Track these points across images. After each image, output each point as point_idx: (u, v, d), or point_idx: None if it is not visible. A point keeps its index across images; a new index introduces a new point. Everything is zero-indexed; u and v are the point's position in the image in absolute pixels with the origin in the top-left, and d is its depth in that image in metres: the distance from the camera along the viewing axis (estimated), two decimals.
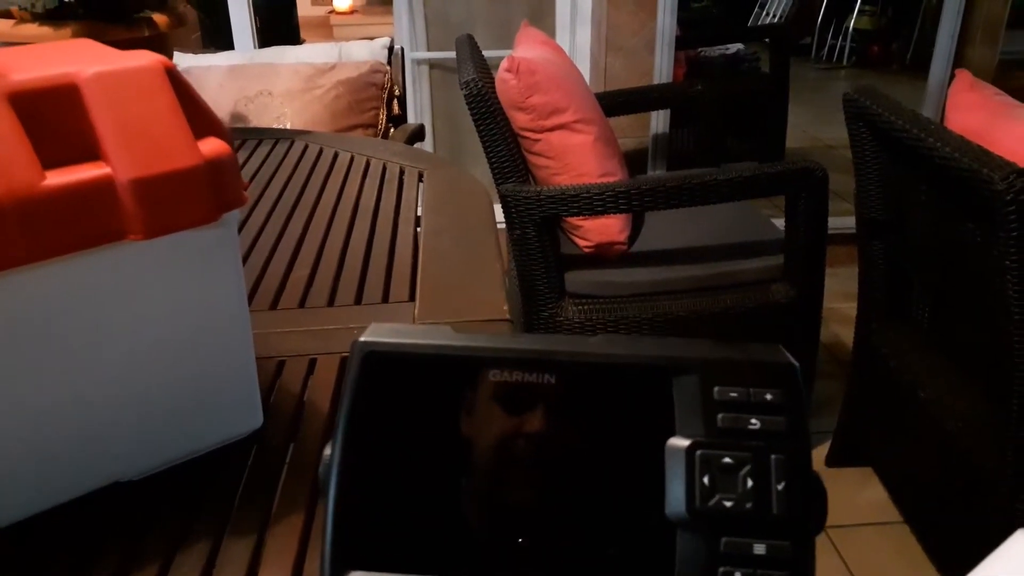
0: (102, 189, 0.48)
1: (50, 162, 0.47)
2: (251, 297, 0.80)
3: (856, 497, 1.61)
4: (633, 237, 1.65)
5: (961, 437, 1.27)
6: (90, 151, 0.49)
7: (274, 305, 0.80)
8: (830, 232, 1.53)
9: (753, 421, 0.29)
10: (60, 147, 0.48)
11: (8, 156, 0.46)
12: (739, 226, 1.72)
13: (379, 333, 0.33)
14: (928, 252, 1.35)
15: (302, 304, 0.80)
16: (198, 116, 0.53)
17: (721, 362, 0.31)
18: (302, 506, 0.53)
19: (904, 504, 1.55)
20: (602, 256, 1.61)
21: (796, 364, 0.31)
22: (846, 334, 1.95)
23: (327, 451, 0.31)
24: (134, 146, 0.49)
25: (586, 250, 1.62)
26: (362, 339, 0.33)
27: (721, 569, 0.28)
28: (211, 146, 0.52)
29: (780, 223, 1.62)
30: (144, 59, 0.51)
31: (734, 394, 0.29)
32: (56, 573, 0.48)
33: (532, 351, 0.32)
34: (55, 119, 0.48)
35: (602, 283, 1.57)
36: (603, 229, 1.58)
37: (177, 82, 0.52)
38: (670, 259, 1.62)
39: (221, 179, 0.52)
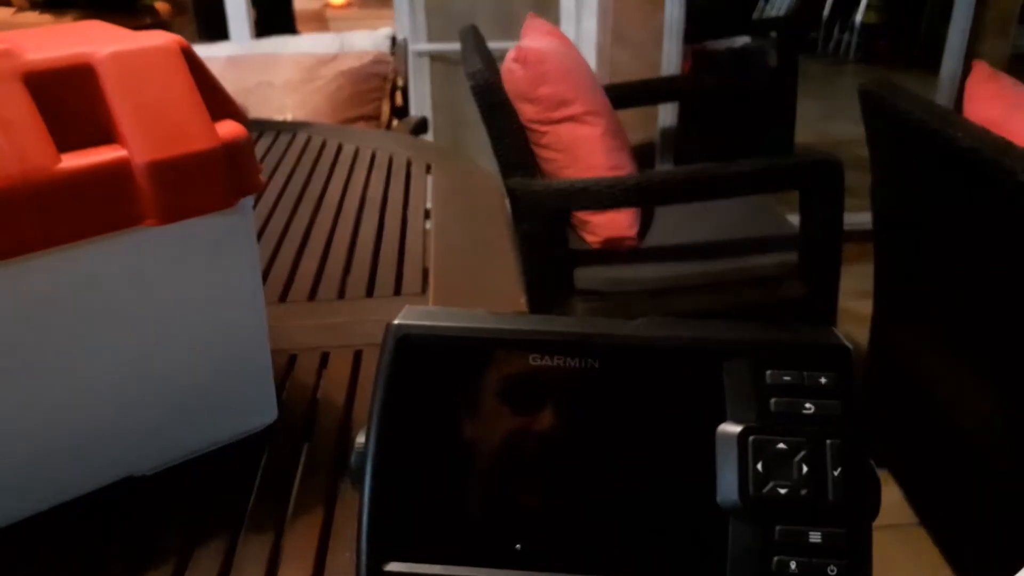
0: (118, 172, 0.46)
1: (65, 144, 0.46)
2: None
3: None
4: (643, 232, 1.64)
5: (978, 437, 1.26)
6: (106, 133, 0.47)
7: (283, 298, 0.78)
8: (843, 230, 1.51)
9: (807, 405, 0.28)
10: (75, 129, 0.46)
11: (23, 138, 0.44)
12: (751, 221, 1.71)
13: (414, 316, 0.32)
14: (946, 248, 1.33)
15: (312, 297, 0.78)
16: (214, 98, 0.51)
17: (773, 345, 0.30)
18: (321, 499, 0.52)
19: (920, 506, 1.54)
20: (612, 251, 1.60)
21: (851, 346, 0.30)
22: (860, 333, 1.93)
23: (360, 439, 0.30)
24: (151, 128, 0.47)
25: (595, 245, 1.60)
26: (396, 322, 0.32)
27: (776, 558, 0.26)
28: (228, 128, 0.50)
29: (794, 218, 1.60)
30: (160, 39, 0.50)
31: (787, 378, 0.28)
32: (72, 567, 0.47)
33: (575, 334, 0.31)
34: (70, 100, 0.47)
35: (611, 279, 1.56)
36: (612, 224, 1.57)
37: (193, 63, 0.51)
38: (681, 255, 1.60)
39: (238, 162, 0.50)
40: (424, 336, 0.30)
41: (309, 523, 0.50)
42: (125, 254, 0.48)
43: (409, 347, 0.30)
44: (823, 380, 0.28)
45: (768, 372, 0.28)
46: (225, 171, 0.50)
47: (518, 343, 0.30)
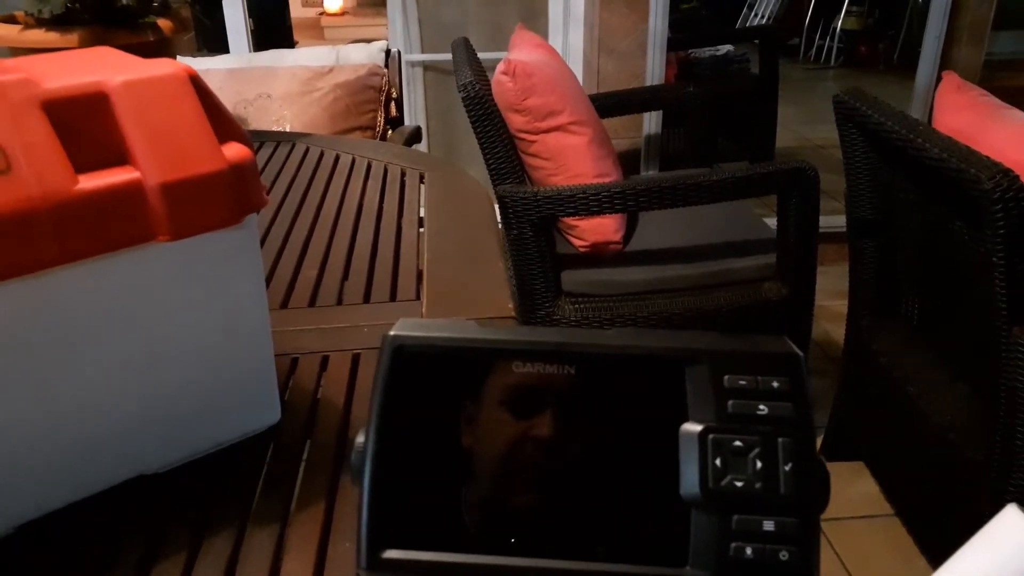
0: (132, 192, 0.50)
1: (82, 167, 0.49)
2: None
3: (848, 490, 1.64)
4: (628, 236, 1.68)
5: (950, 431, 1.30)
6: (120, 156, 0.51)
7: (284, 304, 0.82)
8: (821, 231, 1.56)
9: (761, 407, 0.31)
10: (91, 152, 0.50)
11: (42, 161, 0.48)
12: (732, 225, 1.75)
13: (407, 327, 0.35)
14: (917, 251, 1.38)
15: (312, 303, 0.82)
16: (221, 122, 0.55)
17: (730, 352, 0.32)
18: (322, 496, 0.55)
19: (895, 497, 1.58)
20: (598, 255, 1.64)
21: (800, 354, 0.33)
22: (837, 331, 1.98)
23: (360, 439, 0.33)
24: (162, 151, 0.51)
25: (582, 249, 1.64)
26: (392, 333, 0.34)
27: (733, 544, 0.29)
28: (234, 151, 0.54)
29: (772, 222, 1.65)
30: (169, 67, 0.53)
31: (743, 382, 0.31)
32: (85, 562, 0.50)
33: (553, 343, 0.34)
34: (86, 125, 0.50)
35: (598, 282, 1.60)
36: (599, 229, 1.61)
37: (200, 89, 0.54)
38: (664, 258, 1.64)
39: (243, 182, 0.54)
40: (417, 346, 0.33)
41: (311, 517, 0.54)
42: (138, 268, 0.52)
43: (403, 356, 0.33)
44: (775, 384, 0.31)
45: (726, 377, 0.31)
46: (231, 190, 0.53)
47: (503, 352, 0.32)
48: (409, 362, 0.34)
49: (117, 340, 0.52)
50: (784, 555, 0.29)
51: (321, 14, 5.70)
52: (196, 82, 0.54)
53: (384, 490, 0.32)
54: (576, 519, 0.32)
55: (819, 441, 1.73)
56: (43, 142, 0.48)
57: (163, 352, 0.55)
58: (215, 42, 2.19)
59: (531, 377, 0.33)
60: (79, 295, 0.50)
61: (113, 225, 0.50)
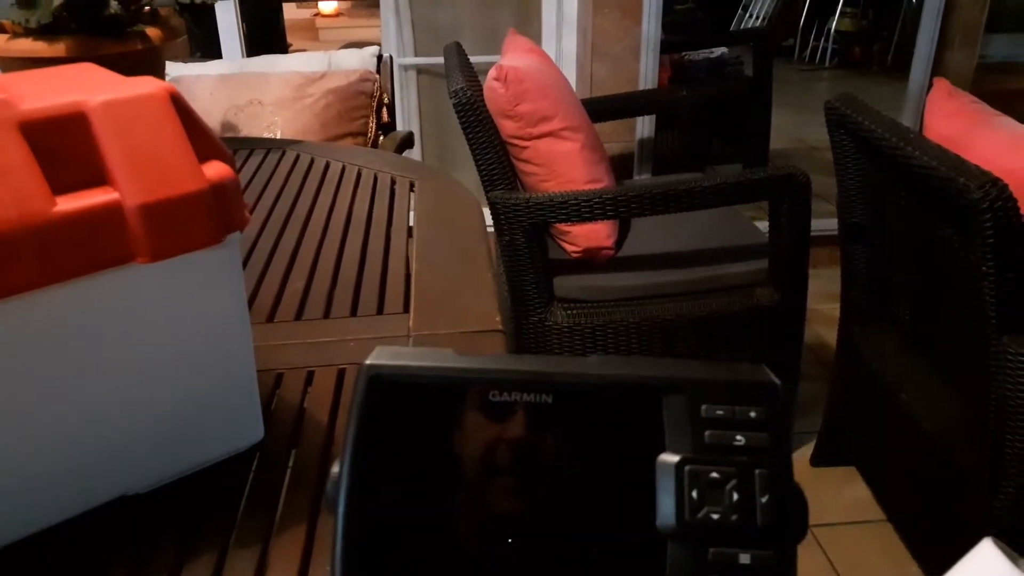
0: (111, 214, 0.50)
1: (60, 188, 0.49)
2: (248, 308, 0.82)
3: (840, 496, 1.64)
4: (620, 242, 1.68)
5: (941, 437, 1.30)
6: (98, 177, 0.51)
7: (271, 318, 0.81)
8: (813, 234, 1.56)
9: (738, 438, 0.30)
10: (70, 173, 0.50)
11: (20, 183, 0.48)
12: (724, 231, 1.75)
13: (384, 356, 0.34)
14: (908, 256, 1.38)
15: (299, 316, 0.82)
16: (201, 141, 0.55)
17: (708, 382, 0.32)
18: (304, 515, 0.55)
19: (887, 502, 1.59)
20: (590, 261, 1.64)
21: (778, 383, 0.33)
22: (829, 335, 1.98)
23: (335, 469, 0.33)
24: (141, 172, 0.51)
25: (574, 255, 1.64)
26: (368, 362, 0.34)
27: None
28: (215, 170, 0.54)
29: (764, 226, 1.65)
30: (149, 86, 0.53)
31: (720, 412, 0.31)
32: None
33: (530, 372, 0.33)
34: (65, 146, 0.50)
35: (590, 288, 1.60)
36: (591, 235, 1.61)
37: (181, 108, 0.54)
38: (657, 264, 1.64)
39: (225, 202, 0.54)
40: (393, 375, 0.33)
41: (294, 536, 0.54)
42: (118, 290, 0.52)
43: (379, 385, 0.33)
44: (752, 414, 0.31)
45: (703, 406, 0.31)
46: (212, 210, 0.53)
47: (478, 381, 0.32)
48: (385, 392, 0.34)
49: (99, 361, 0.52)
50: None
51: (316, 15, 5.69)
52: (177, 101, 0.54)
53: (359, 521, 0.32)
54: (552, 549, 0.32)
55: (811, 446, 1.73)
56: (20, 164, 0.48)
57: (146, 372, 0.54)
58: (208, 46, 2.19)
59: (507, 407, 0.33)
60: (60, 317, 0.50)
61: (93, 247, 0.50)
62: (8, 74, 0.56)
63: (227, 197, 0.54)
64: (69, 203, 0.49)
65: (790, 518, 0.30)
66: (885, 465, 1.54)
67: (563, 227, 1.62)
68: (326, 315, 0.82)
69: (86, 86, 0.53)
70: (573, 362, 0.34)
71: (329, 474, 0.33)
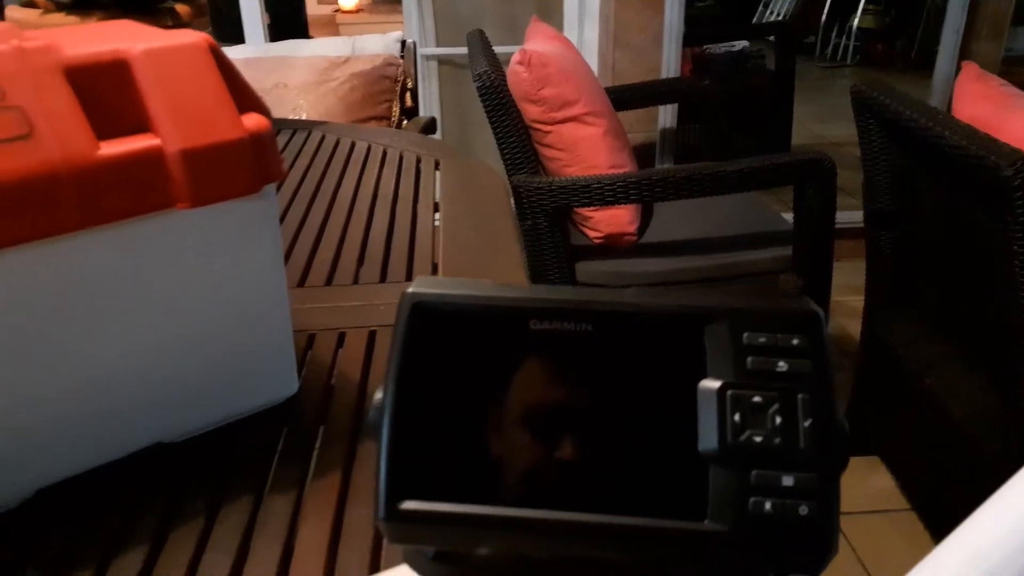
0: (152, 159, 0.50)
1: (103, 133, 0.49)
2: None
3: (864, 485, 1.63)
4: (643, 228, 1.67)
5: (967, 424, 1.29)
6: (140, 123, 0.51)
7: (301, 283, 0.82)
8: (836, 226, 1.55)
9: (781, 364, 0.30)
10: (112, 119, 0.50)
11: (65, 126, 0.48)
12: (747, 218, 1.74)
13: (425, 284, 0.35)
14: (936, 240, 1.37)
15: (328, 282, 0.82)
16: (240, 92, 0.55)
17: (750, 310, 0.32)
18: (339, 465, 0.56)
19: (911, 492, 1.57)
20: (612, 247, 1.64)
21: (820, 312, 0.33)
22: (852, 326, 1.96)
23: (378, 394, 0.33)
24: (182, 119, 0.51)
25: (596, 241, 1.64)
26: (409, 290, 0.34)
27: (752, 499, 0.29)
28: (253, 121, 0.54)
29: (787, 217, 1.64)
30: (189, 37, 0.54)
31: (762, 339, 0.31)
32: (103, 527, 0.51)
33: (570, 301, 0.34)
34: (107, 93, 0.51)
35: (612, 273, 1.60)
36: (613, 220, 1.60)
37: (220, 59, 0.55)
38: (679, 250, 1.64)
39: (262, 152, 0.54)
40: (435, 303, 0.33)
41: (328, 484, 0.54)
42: (159, 235, 0.52)
43: (421, 313, 0.33)
44: (795, 342, 0.31)
45: (745, 334, 0.31)
46: (251, 159, 0.54)
47: (520, 310, 0.33)
48: (427, 319, 0.34)
49: (137, 307, 0.53)
50: (804, 510, 0.29)
51: (336, 11, 5.72)
52: (216, 52, 0.55)
53: (403, 441, 0.32)
54: (594, 474, 0.32)
55: None
56: (65, 108, 0.49)
57: (182, 320, 0.55)
58: (231, 33, 2.21)
59: (548, 335, 0.33)
60: (100, 261, 0.51)
61: (134, 191, 0.50)
62: (51, 28, 0.57)
63: (265, 147, 0.55)
64: (112, 148, 0.49)
65: (833, 443, 0.30)
66: (910, 454, 1.53)
67: (585, 212, 1.61)
68: (355, 281, 0.82)
69: (127, 37, 0.54)
70: (614, 293, 0.34)
71: (371, 400, 0.33)
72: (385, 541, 0.48)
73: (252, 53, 1.76)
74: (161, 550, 0.49)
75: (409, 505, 0.31)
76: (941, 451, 1.39)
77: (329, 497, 0.53)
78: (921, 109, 1.22)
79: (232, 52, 1.85)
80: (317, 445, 0.58)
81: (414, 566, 0.35)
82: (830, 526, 0.30)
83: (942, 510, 1.45)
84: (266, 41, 2.10)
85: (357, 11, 5.74)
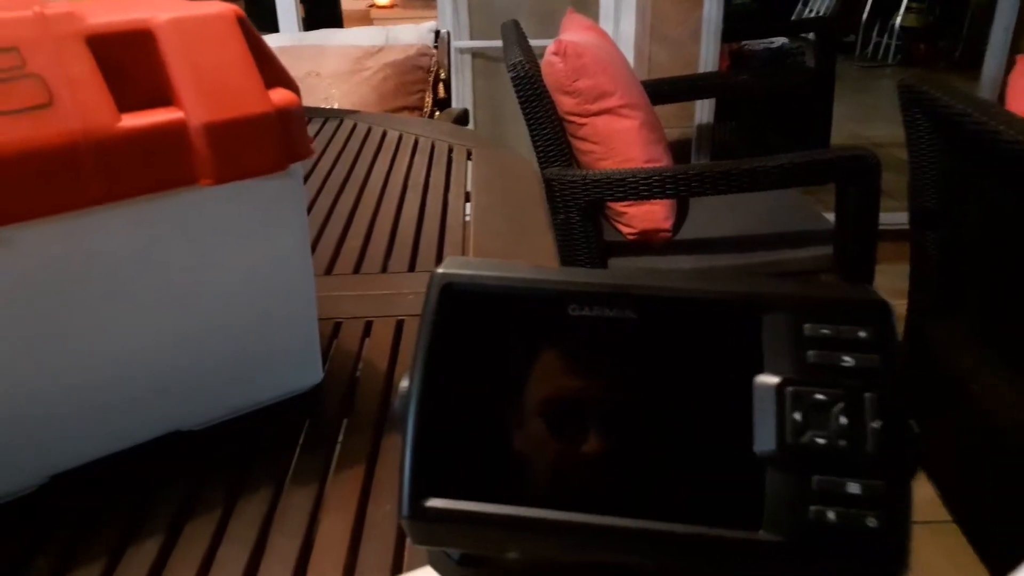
0: (175, 132, 0.48)
1: (125, 105, 0.47)
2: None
3: None
4: (678, 225, 1.64)
5: (1014, 434, 1.23)
6: (163, 96, 0.49)
7: (329, 270, 0.80)
8: (879, 227, 1.49)
9: (845, 359, 0.28)
10: (135, 91, 0.48)
11: (86, 97, 0.46)
12: (786, 216, 1.70)
13: (456, 265, 0.32)
14: (984, 241, 1.31)
15: (357, 270, 0.80)
16: (268, 66, 0.53)
17: (811, 299, 0.29)
18: (363, 458, 0.53)
19: (953, 503, 1.51)
20: (646, 243, 1.60)
21: (889, 303, 0.30)
22: None
23: (404, 383, 0.31)
24: (206, 91, 0.49)
25: (630, 237, 1.61)
26: (440, 270, 0.32)
27: (813, 508, 0.26)
28: (280, 96, 0.52)
29: (828, 216, 1.59)
30: (216, 7, 0.52)
31: (825, 331, 0.28)
32: (118, 514, 0.49)
33: (612, 285, 0.31)
34: (130, 63, 0.49)
35: (646, 270, 1.56)
36: (648, 216, 1.57)
37: (248, 31, 0.52)
38: (716, 247, 1.60)
39: (290, 128, 0.52)
40: (466, 285, 0.31)
41: (351, 477, 0.51)
42: (181, 212, 0.50)
43: (452, 295, 0.31)
44: (861, 334, 0.28)
45: (806, 325, 0.28)
46: (277, 135, 0.51)
47: (557, 294, 0.30)
48: (458, 301, 0.31)
49: (159, 287, 0.51)
50: (871, 521, 0.26)
51: (371, 6, 5.73)
52: (243, 23, 0.52)
53: (429, 435, 0.30)
54: (637, 475, 0.29)
55: None
56: (86, 77, 0.47)
57: (204, 302, 0.53)
58: (266, 24, 2.21)
59: (587, 322, 0.30)
60: (119, 239, 0.49)
61: (156, 165, 0.48)
62: None
63: (292, 124, 0.52)
64: (134, 120, 0.47)
65: (904, 447, 0.27)
66: (952, 463, 1.48)
67: (619, 208, 1.58)
68: (384, 270, 0.80)
69: (152, 6, 0.52)
70: (659, 276, 0.31)
71: (397, 388, 0.31)
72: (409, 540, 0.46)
73: (286, 41, 1.75)
74: (176, 542, 0.47)
75: (435, 503, 0.29)
76: (986, 460, 1.34)
77: (351, 491, 0.50)
78: (975, 103, 1.17)
79: (267, 41, 1.84)
80: (340, 437, 0.55)
81: (439, 569, 0.32)
82: (901, 540, 0.27)
83: (986, 523, 1.39)
84: (300, 31, 2.10)
85: (391, 7, 5.75)
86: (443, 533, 0.29)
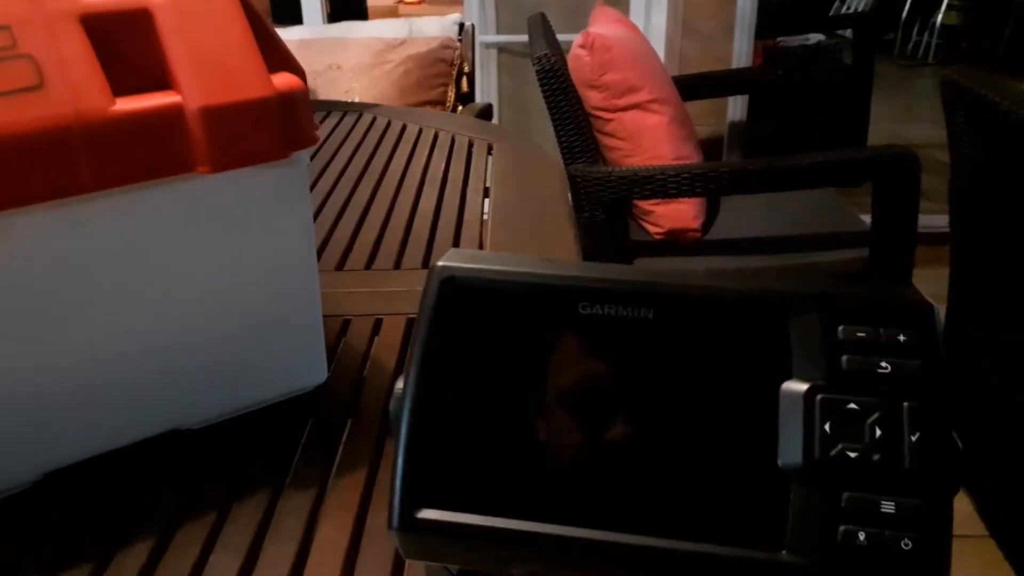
0: (172, 117, 0.46)
1: (120, 88, 0.45)
2: (318, 256, 0.78)
3: None
4: (707, 225, 1.60)
5: None
6: (160, 79, 0.47)
7: (340, 266, 0.78)
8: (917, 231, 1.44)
9: (883, 364, 0.25)
10: (131, 74, 0.46)
11: (79, 79, 0.44)
12: (820, 217, 1.65)
13: (458, 258, 0.30)
14: None
15: (369, 266, 0.78)
16: (271, 49, 0.50)
17: (847, 298, 0.27)
18: (365, 462, 0.51)
19: (990, 516, 1.46)
20: (674, 243, 1.56)
21: (933, 304, 0.27)
22: None
23: (399, 385, 0.29)
24: (205, 74, 0.47)
25: (657, 236, 1.57)
26: (440, 263, 0.29)
27: (842, 528, 0.24)
28: (284, 80, 0.49)
29: (864, 218, 1.54)
30: None
31: (861, 334, 0.26)
32: (113, 514, 0.47)
33: (628, 281, 0.28)
34: (126, 44, 0.46)
35: (673, 271, 1.52)
36: (676, 215, 1.53)
37: (251, 12, 0.50)
38: (747, 248, 1.55)
39: (293, 114, 0.49)
40: (469, 279, 0.29)
41: (352, 483, 0.49)
42: (177, 201, 0.48)
43: (452, 290, 0.28)
44: (902, 337, 0.25)
45: (841, 327, 0.25)
46: (280, 122, 0.49)
47: (567, 290, 0.28)
48: (459, 297, 0.29)
49: (154, 280, 0.49)
50: (906, 543, 0.23)
51: (398, 2, 5.74)
52: (246, 4, 0.50)
53: (424, 440, 0.27)
54: (649, 488, 0.26)
55: None
56: (80, 58, 0.44)
57: (203, 296, 0.51)
58: (290, 16, 2.20)
59: (599, 321, 0.28)
60: (113, 229, 0.46)
61: (151, 152, 0.46)
62: None
63: (296, 110, 0.50)
64: (128, 104, 0.45)
65: (945, 463, 0.24)
66: (990, 475, 1.42)
67: (646, 206, 1.54)
68: (397, 266, 0.78)
69: None
70: (679, 274, 0.29)
71: (392, 391, 0.28)
72: None
73: (308, 34, 1.74)
74: (167, 547, 0.45)
75: (428, 514, 0.26)
76: None
77: (352, 497, 0.48)
78: (1021, 99, 1.12)
79: (289, 33, 1.84)
80: (343, 439, 0.53)
81: None
82: (938, 565, 0.24)
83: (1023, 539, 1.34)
84: (324, 24, 2.08)
85: (419, 2, 5.76)
86: (437, 547, 0.27)
